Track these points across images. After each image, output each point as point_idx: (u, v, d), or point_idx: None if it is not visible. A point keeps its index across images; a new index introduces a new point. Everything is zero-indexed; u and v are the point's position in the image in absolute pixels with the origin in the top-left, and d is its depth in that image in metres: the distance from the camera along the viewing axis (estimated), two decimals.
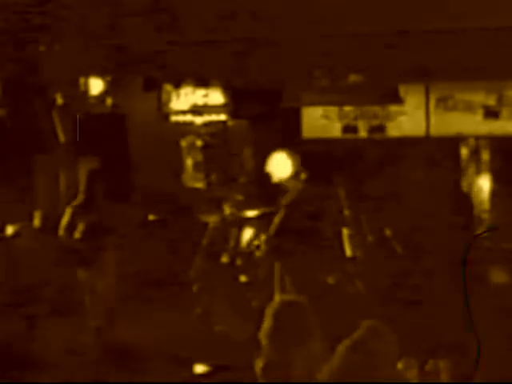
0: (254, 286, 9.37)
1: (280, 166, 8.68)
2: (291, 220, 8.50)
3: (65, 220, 8.69)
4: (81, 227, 8.60)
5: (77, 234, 8.60)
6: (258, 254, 9.38)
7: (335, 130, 11.53)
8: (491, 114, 10.66)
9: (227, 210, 10.53)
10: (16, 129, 10.89)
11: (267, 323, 4.30)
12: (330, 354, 4.03)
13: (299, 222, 8.44)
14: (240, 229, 9.95)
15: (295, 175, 8.64)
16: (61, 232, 8.68)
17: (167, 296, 9.55)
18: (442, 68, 8.84)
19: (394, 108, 11.05)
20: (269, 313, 4.33)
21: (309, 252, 8.39)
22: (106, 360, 7.75)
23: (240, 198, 10.47)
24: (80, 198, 8.76)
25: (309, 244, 8.43)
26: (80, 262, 8.58)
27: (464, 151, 11.14)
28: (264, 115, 11.13)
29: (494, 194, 10.97)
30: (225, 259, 9.96)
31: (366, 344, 3.85)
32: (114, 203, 8.92)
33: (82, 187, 8.80)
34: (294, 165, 8.63)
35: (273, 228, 8.72)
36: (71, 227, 8.64)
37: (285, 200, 8.64)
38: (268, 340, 4.27)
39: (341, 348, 3.92)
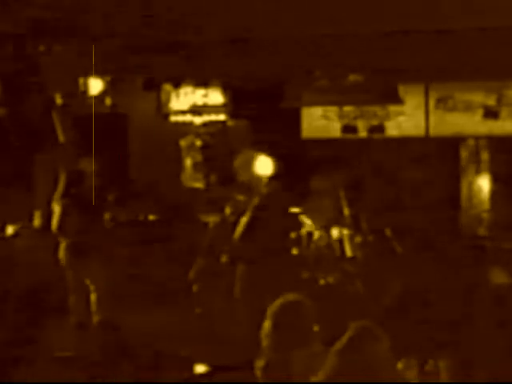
0: None
1: (255, 165, 8.37)
2: (257, 224, 8.20)
3: (55, 220, 8.73)
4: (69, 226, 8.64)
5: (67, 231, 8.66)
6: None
7: (335, 129, 11.53)
8: (491, 113, 10.66)
9: (227, 210, 10.51)
10: (16, 129, 10.88)
11: (268, 323, 4.31)
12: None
13: (266, 226, 8.15)
14: None
15: (267, 177, 8.31)
16: (54, 230, 8.76)
17: (167, 296, 9.55)
18: (442, 68, 8.84)
19: (393, 108, 11.04)
20: (270, 312, 4.33)
21: (274, 258, 8.12)
22: (105, 359, 7.75)
23: (240, 197, 10.45)
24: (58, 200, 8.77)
25: (275, 249, 8.17)
26: (75, 253, 8.63)
27: (464, 151, 11.15)
28: (264, 115, 11.13)
29: (493, 193, 10.97)
30: (225, 259, 9.94)
31: (358, 344, 3.86)
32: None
33: (59, 188, 8.83)
34: (270, 166, 8.33)
35: (238, 232, 8.38)
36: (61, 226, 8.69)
37: (251, 203, 8.30)
38: (268, 340, 4.28)
39: (334, 349, 3.92)
